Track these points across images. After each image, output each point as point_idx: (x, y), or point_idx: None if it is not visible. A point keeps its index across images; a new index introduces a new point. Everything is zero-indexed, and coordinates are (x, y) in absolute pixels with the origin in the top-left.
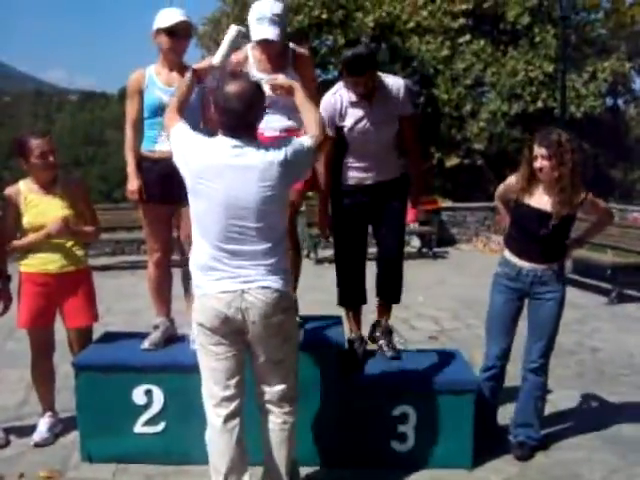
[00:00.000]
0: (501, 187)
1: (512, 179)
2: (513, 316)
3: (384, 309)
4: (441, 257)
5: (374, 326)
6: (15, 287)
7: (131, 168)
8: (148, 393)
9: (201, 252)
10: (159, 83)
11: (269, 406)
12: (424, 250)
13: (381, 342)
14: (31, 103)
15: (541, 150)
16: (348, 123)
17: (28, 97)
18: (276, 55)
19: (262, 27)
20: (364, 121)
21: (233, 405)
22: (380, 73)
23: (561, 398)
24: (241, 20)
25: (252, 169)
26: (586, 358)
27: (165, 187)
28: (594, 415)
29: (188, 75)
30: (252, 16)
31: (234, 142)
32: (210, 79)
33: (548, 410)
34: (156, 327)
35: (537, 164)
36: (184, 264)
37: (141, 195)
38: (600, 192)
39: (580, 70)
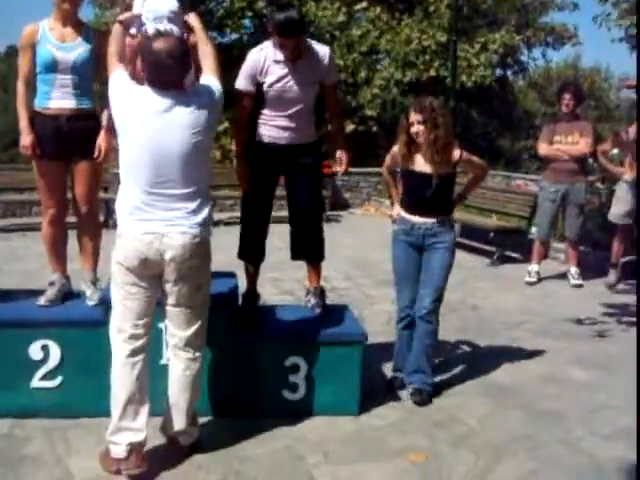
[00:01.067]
0: (387, 159)
1: (395, 149)
2: (414, 267)
3: (313, 273)
4: (334, 221)
5: (307, 292)
6: None
7: (24, 123)
8: (44, 348)
9: (128, 195)
10: (52, 38)
11: (176, 350)
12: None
13: (313, 302)
14: None
15: (417, 116)
16: (269, 80)
17: None
18: None
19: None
20: (285, 80)
21: (139, 342)
22: (308, 39)
23: (444, 350)
24: None
25: (179, 119)
26: (468, 315)
27: (59, 144)
28: (474, 365)
29: (116, 26)
30: (147, 14)
31: (163, 95)
32: (134, 28)
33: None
34: (52, 284)
35: (414, 129)
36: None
37: (34, 150)
38: (489, 160)
39: (472, 41)
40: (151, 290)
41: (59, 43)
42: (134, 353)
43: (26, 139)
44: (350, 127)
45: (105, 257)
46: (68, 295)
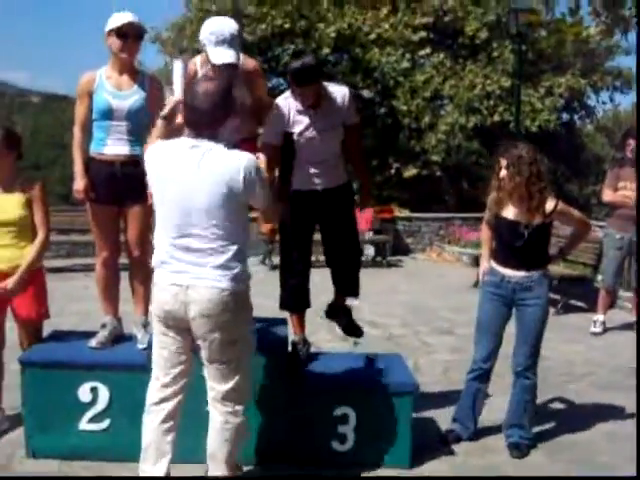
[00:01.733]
0: (486, 211)
1: (490, 197)
2: (498, 322)
3: (341, 297)
4: (395, 266)
5: (331, 305)
6: None
7: (78, 168)
8: (94, 390)
9: (159, 247)
10: (108, 86)
11: (214, 403)
12: (378, 259)
13: (340, 317)
14: None
15: (503, 161)
16: (296, 130)
17: None
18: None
19: (222, 50)
20: (310, 129)
21: (168, 391)
22: (325, 82)
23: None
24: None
25: (208, 170)
26: None
27: (112, 188)
28: (537, 419)
29: (159, 122)
30: (209, 37)
31: (194, 142)
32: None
33: (491, 413)
34: (103, 326)
35: (501, 174)
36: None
37: (87, 194)
38: None
39: (536, 85)
40: (182, 342)
41: (115, 91)
42: (161, 401)
43: (79, 183)
44: (413, 171)
45: None
46: (119, 338)
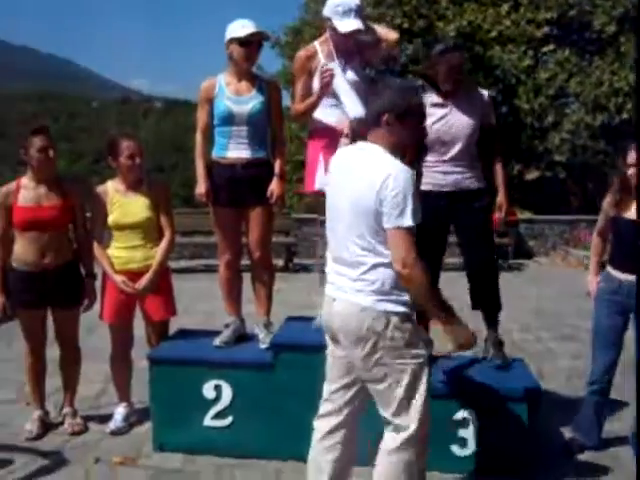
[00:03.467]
0: (599, 219)
1: (605, 200)
2: (616, 332)
3: (490, 322)
4: (517, 269)
5: (485, 340)
6: (98, 282)
7: (200, 172)
8: (217, 388)
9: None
10: (228, 92)
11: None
12: (500, 262)
13: (491, 352)
14: (118, 110)
15: (631, 157)
16: (427, 122)
17: (115, 104)
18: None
19: (350, 20)
20: (442, 121)
21: (330, 406)
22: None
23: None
24: (322, 29)
25: (363, 177)
26: None
27: (234, 192)
28: None
29: (344, 140)
30: (334, 10)
31: (359, 147)
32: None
33: (611, 422)
34: (227, 326)
35: (630, 171)
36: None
37: (208, 197)
38: None
39: None
40: (345, 354)
41: (235, 97)
42: (324, 415)
43: (201, 187)
44: (536, 173)
45: (281, 301)
46: (242, 337)
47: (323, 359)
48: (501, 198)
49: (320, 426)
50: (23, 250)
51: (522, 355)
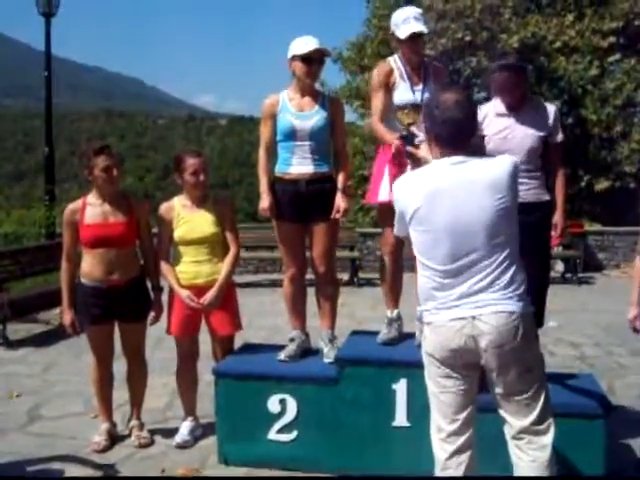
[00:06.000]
0: None
1: None
2: None
3: None
4: (586, 283)
5: None
6: (165, 297)
7: (263, 188)
8: (282, 402)
9: (428, 280)
10: (291, 108)
11: (515, 442)
12: (568, 275)
13: None
14: (183, 127)
15: None
16: (489, 132)
17: (180, 121)
18: (421, 54)
19: (409, 25)
20: (505, 132)
21: (461, 440)
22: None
23: None
24: (385, 43)
25: (478, 182)
26: None
27: (298, 207)
28: None
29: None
30: (396, 21)
31: (453, 159)
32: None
33: None
34: (292, 340)
35: None
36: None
37: (272, 212)
38: None
39: None
40: (468, 381)
41: (298, 112)
42: (454, 454)
43: (265, 202)
44: (605, 184)
45: (346, 315)
46: (307, 351)
47: (387, 374)
48: (557, 218)
49: (455, 466)
50: (91, 266)
51: (592, 370)
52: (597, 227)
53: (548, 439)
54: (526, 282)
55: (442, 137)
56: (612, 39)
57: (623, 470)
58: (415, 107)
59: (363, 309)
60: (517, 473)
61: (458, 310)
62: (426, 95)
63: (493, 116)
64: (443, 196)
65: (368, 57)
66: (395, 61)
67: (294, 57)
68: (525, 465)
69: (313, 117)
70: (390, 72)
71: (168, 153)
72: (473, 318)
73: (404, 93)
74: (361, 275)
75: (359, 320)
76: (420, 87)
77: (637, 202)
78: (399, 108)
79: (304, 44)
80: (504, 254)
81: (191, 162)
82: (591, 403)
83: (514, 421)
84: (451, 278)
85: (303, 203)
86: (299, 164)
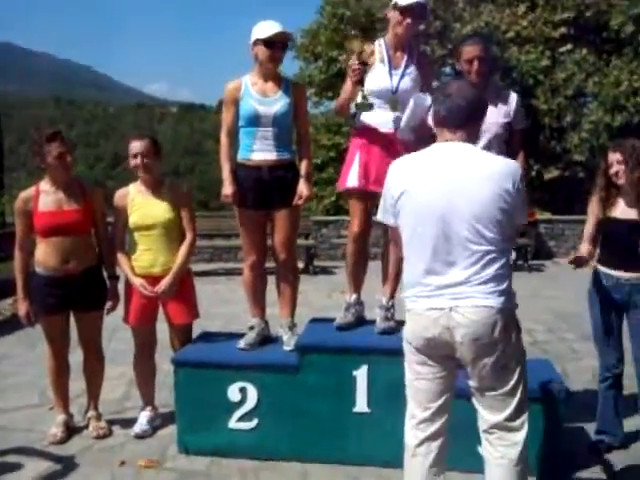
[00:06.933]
0: (589, 219)
1: (593, 199)
2: (616, 325)
3: None
4: (537, 270)
5: None
6: (122, 286)
7: (226, 174)
8: (243, 390)
9: (411, 266)
10: (254, 93)
11: (487, 437)
12: (519, 262)
13: None
14: (134, 115)
15: (615, 155)
16: None
17: (131, 109)
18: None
19: None
20: None
21: (432, 428)
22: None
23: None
24: (338, 32)
25: (477, 171)
26: None
27: (260, 193)
28: None
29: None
30: None
31: (453, 144)
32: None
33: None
34: (251, 328)
35: (613, 169)
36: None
37: (234, 199)
38: None
39: None
40: (445, 370)
41: (261, 97)
42: (424, 441)
43: (227, 189)
44: (555, 173)
45: (302, 303)
46: (266, 339)
47: (348, 361)
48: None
49: (424, 454)
50: (45, 255)
51: (546, 356)
52: (547, 216)
53: (520, 436)
54: (511, 278)
55: (440, 120)
56: (563, 30)
57: (576, 453)
58: (388, 93)
59: (319, 297)
60: (486, 468)
61: (437, 300)
62: (404, 80)
63: None
64: (436, 180)
65: (322, 45)
66: (380, 44)
67: (257, 41)
68: (493, 462)
69: (277, 103)
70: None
71: (118, 141)
72: (450, 309)
73: (378, 78)
74: (316, 263)
75: (315, 308)
76: (400, 71)
77: (586, 191)
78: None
79: (267, 28)
80: (491, 248)
81: (132, 145)
82: (549, 386)
83: (487, 415)
84: (433, 266)
85: (265, 190)
86: (262, 150)
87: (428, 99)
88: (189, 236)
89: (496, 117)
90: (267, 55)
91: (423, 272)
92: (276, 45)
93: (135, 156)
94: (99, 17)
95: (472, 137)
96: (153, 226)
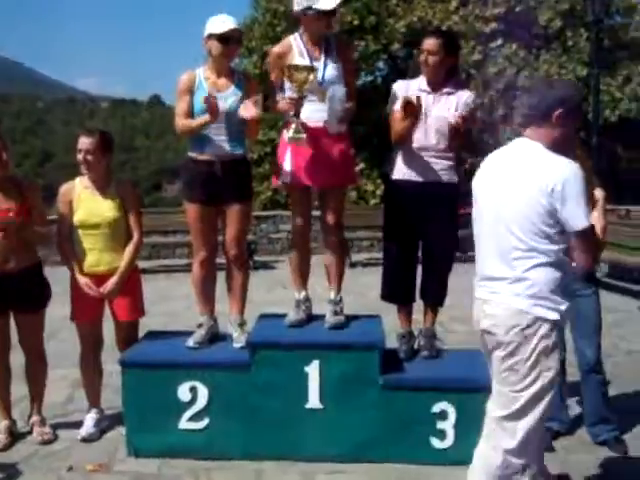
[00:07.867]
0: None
1: None
2: None
3: (430, 315)
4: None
5: (419, 332)
6: (67, 283)
7: (198, 120)
8: (193, 390)
9: (477, 258)
10: (207, 88)
11: (486, 431)
12: (458, 254)
13: (422, 343)
14: (64, 110)
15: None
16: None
17: (61, 104)
18: (324, 32)
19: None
20: (422, 110)
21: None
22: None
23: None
24: (272, 27)
25: (524, 170)
26: (622, 360)
27: (210, 189)
28: (627, 414)
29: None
30: None
31: (518, 142)
32: None
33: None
34: (200, 325)
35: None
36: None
37: (214, 108)
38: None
39: (614, 73)
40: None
41: (215, 93)
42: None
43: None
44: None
45: (250, 299)
46: (215, 337)
47: (299, 356)
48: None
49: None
50: None
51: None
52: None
53: (508, 444)
54: (554, 286)
55: (518, 118)
56: (494, 25)
57: None
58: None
59: (260, 292)
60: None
61: (480, 290)
62: (327, 69)
63: (416, 91)
64: (494, 177)
65: (256, 39)
66: (295, 39)
67: (210, 36)
68: (475, 457)
69: (230, 97)
70: (286, 52)
71: (48, 137)
72: (484, 302)
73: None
74: (256, 258)
75: (257, 303)
76: (321, 61)
77: None
78: None
79: (221, 23)
80: (530, 251)
81: (79, 140)
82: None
83: (490, 404)
84: (484, 259)
85: (217, 185)
86: (214, 145)
87: (342, 88)
88: (136, 236)
89: (447, 113)
90: (221, 51)
91: (480, 263)
92: (231, 40)
93: (79, 152)
94: (23, 6)
95: (542, 136)
96: (99, 225)
